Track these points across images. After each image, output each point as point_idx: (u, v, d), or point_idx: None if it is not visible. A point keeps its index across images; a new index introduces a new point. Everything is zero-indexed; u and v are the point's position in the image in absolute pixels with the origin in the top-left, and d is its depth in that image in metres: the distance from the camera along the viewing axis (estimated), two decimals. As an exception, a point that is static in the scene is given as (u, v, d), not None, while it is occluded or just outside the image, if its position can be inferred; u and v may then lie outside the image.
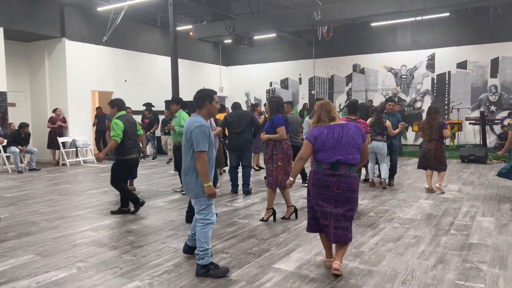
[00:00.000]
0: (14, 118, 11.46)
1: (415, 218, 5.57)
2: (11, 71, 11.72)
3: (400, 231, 4.99)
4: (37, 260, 4.11)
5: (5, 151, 10.42)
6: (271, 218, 5.50)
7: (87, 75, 12.70)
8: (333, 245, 3.77)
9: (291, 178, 3.92)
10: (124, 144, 5.77)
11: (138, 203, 5.95)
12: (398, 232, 4.93)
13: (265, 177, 5.47)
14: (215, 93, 3.86)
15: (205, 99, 3.72)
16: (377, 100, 15.55)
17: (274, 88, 17.89)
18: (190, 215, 5.21)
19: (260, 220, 5.49)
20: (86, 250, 4.42)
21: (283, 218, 5.54)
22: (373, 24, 14.63)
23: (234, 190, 7.39)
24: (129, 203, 6.03)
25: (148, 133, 12.04)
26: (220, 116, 8.55)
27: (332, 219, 3.53)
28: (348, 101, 6.31)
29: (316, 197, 3.60)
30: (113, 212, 6.00)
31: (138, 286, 3.47)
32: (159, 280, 3.58)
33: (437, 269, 3.76)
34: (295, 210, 5.59)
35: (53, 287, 3.46)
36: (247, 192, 7.24)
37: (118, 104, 5.93)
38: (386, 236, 4.78)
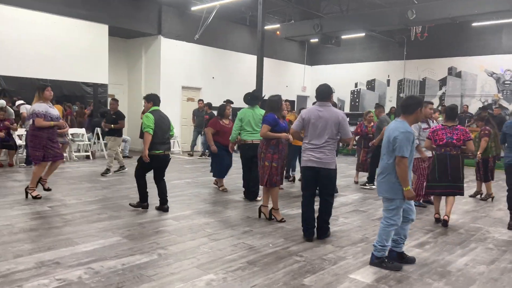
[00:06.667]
0: (113, 108, 12.48)
1: (514, 240, 4.99)
2: (112, 65, 12.76)
3: (495, 253, 4.50)
4: (124, 243, 4.40)
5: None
6: (259, 214, 5.65)
7: (178, 71, 13.41)
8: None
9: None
10: (151, 138, 5.60)
11: (142, 204, 5.85)
12: (492, 254, 4.45)
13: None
14: (423, 100, 4.32)
15: (417, 106, 3.92)
16: (474, 106, 14.29)
17: (360, 89, 17.31)
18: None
19: (279, 220, 5.44)
20: (167, 238, 4.64)
21: (274, 219, 5.48)
22: (474, 24, 13.44)
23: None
24: (147, 198, 5.90)
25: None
26: (291, 116, 8.27)
27: None
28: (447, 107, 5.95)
29: None
30: (131, 205, 5.93)
31: (212, 279, 3.54)
32: (232, 276, 3.62)
33: (539, 302, 3.32)
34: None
35: (136, 270, 3.67)
36: None
37: (153, 99, 5.88)
38: (477, 257, 4.34)
